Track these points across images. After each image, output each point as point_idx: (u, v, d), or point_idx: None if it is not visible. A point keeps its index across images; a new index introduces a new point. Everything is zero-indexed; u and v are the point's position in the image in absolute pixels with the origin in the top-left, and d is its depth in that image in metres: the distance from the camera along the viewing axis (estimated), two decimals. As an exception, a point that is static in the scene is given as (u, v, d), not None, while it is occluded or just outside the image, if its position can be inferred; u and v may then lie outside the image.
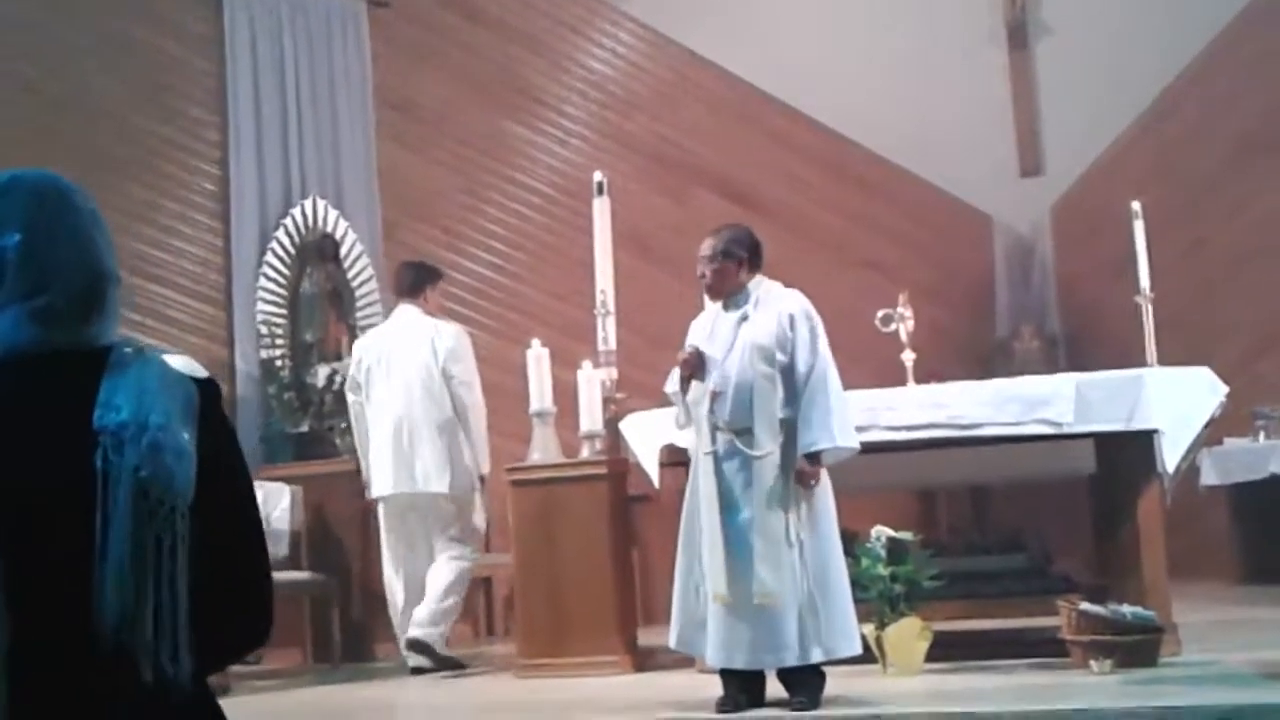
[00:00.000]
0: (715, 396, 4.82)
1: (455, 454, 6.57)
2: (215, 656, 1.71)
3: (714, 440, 4.84)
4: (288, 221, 8.26)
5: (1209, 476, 8.27)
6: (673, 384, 5.03)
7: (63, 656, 1.61)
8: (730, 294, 5.00)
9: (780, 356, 4.82)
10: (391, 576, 6.69)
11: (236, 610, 1.72)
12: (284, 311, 8.16)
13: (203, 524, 1.65)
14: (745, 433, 4.78)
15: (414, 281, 6.85)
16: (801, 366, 4.81)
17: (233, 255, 8.22)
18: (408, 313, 6.79)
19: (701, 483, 4.88)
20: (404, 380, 6.60)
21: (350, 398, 6.85)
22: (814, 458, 4.76)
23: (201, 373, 1.78)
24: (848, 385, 5.75)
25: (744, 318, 4.91)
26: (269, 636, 1.80)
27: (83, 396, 1.66)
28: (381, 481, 6.62)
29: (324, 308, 8.16)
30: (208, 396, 1.75)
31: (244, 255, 8.21)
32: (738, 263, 4.97)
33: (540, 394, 6.63)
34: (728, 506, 4.80)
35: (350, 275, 8.29)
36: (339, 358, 7.96)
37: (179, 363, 1.76)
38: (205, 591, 1.65)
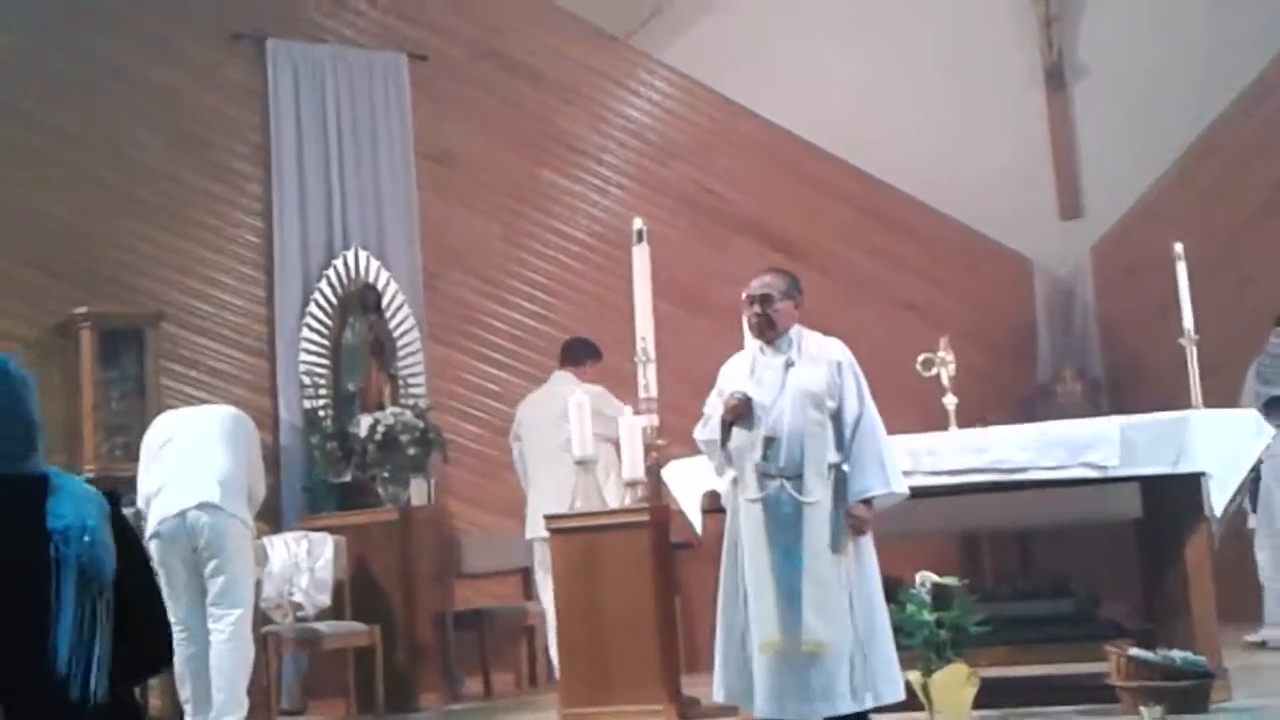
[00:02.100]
0: (769, 442, 4.77)
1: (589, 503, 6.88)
2: (128, 679, 2.57)
3: (761, 487, 4.79)
4: (330, 272, 8.33)
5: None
6: (709, 431, 4.98)
7: (24, 681, 2.40)
8: (776, 337, 4.97)
9: (830, 404, 4.80)
10: (547, 608, 7.23)
11: (139, 648, 2.58)
12: (326, 362, 8.22)
13: (117, 594, 2.51)
14: (795, 479, 4.75)
15: (577, 354, 7.72)
16: (849, 414, 4.80)
17: (276, 306, 8.29)
18: (561, 378, 7.61)
19: (746, 530, 4.83)
20: (544, 437, 7.34)
21: (513, 448, 7.77)
22: (867, 504, 4.74)
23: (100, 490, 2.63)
24: (889, 430, 5.73)
25: (789, 363, 4.87)
26: (162, 668, 3.05)
27: (34, 508, 2.48)
28: (530, 526, 7.41)
29: (366, 358, 8.21)
30: (115, 505, 2.60)
31: (287, 306, 8.29)
32: (795, 305, 4.97)
33: (581, 442, 6.64)
34: (778, 553, 4.74)
35: (392, 325, 8.35)
36: (381, 407, 8.00)
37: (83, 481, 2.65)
38: (121, 638, 2.50)
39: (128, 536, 2.60)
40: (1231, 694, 5.39)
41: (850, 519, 4.72)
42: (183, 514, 5.95)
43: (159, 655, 2.70)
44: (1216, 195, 9.65)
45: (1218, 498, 5.46)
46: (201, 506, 5.93)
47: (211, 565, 5.95)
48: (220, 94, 8.44)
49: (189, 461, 6.05)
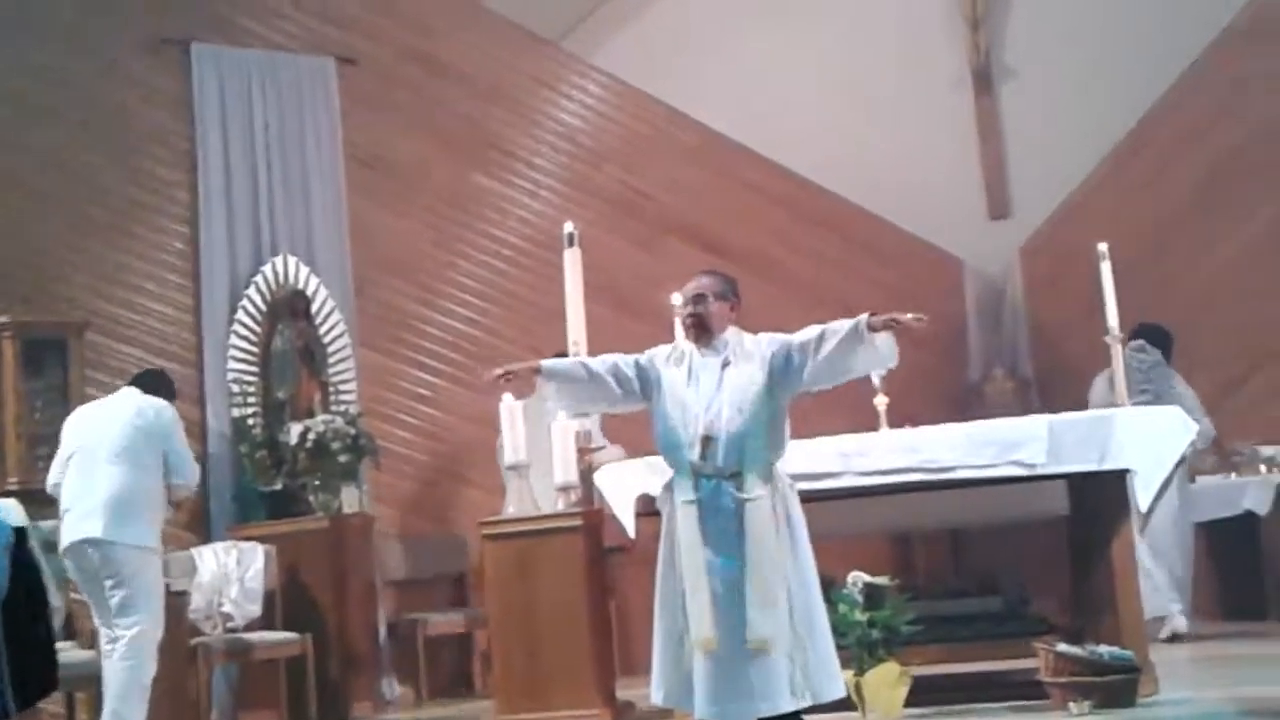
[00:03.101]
0: (708, 442, 4.77)
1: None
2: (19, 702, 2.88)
3: (697, 487, 4.78)
4: (258, 279, 8.24)
5: (1183, 514, 8.27)
6: (558, 367, 5.03)
7: None
8: (711, 339, 4.96)
9: (774, 387, 4.75)
10: None
11: (29, 670, 2.85)
12: (255, 369, 8.13)
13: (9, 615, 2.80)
14: (735, 477, 4.74)
15: None
16: (801, 339, 4.74)
17: (203, 314, 8.19)
18: None
19: (681, 530, 4.82)
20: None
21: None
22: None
23: (16, 521, 3.03)
24: (821, 431, 5.79)
25: (726, 362, 4.87)
26: (44, 696, 3.12)
27: None
28: None
29: (296, 365, 8.13)
30: (20, 536, 2.94)
31: (215, 314, 8.19)
32: (730, 306, 4.97)
33: (514, 447, 6.62)
34: (716, 552, 4.73)
35: (322, 331, 8.28)
36: (311, 414, 7.93)
37: (6, 505, 3.03)
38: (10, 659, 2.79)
39: (25, 571, 2.89)
40: (1158, 688, 5.46)
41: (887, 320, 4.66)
42: (79, 543, 5.86)
43: (42, 684, 2.95)
44: (1141, 195, 9.78)
45: (1143, 494, 5.53)
46: (88, 541, 5.82)
47: (109, 584, 5.84)
48: (146, 100, 8.33)
49: (82, 485, 5.90)
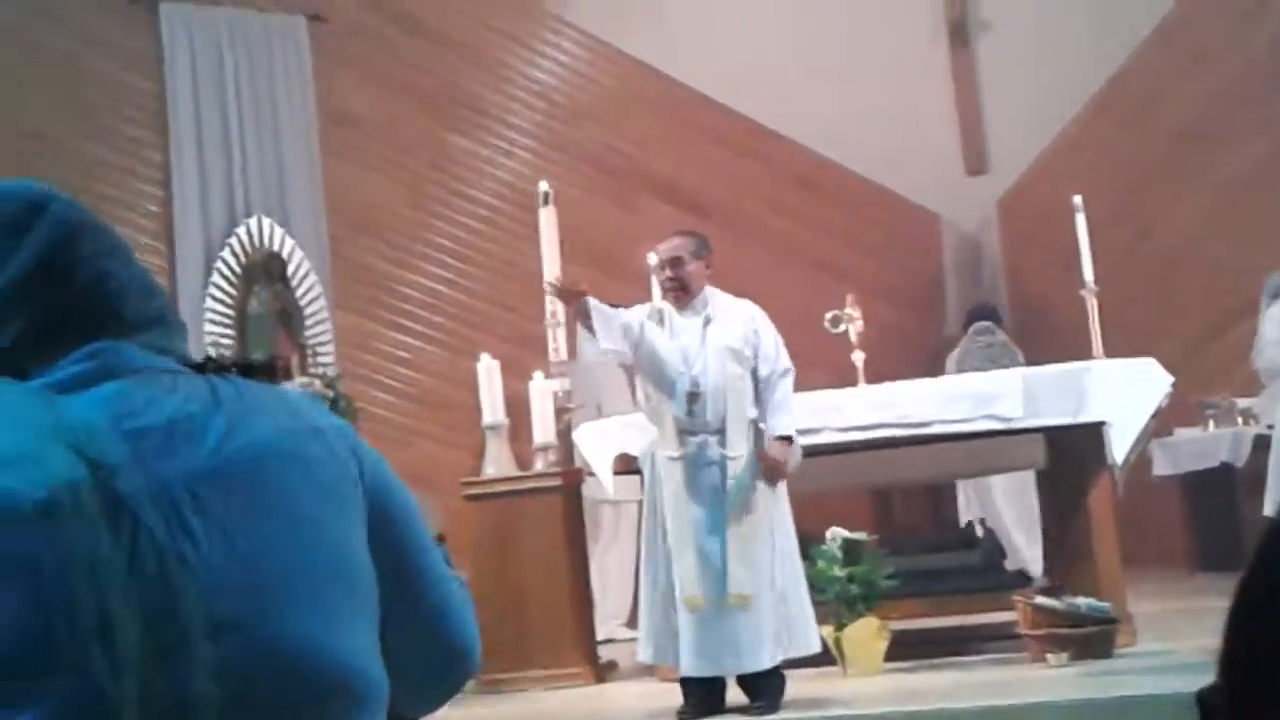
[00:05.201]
0: (694, 398, 4.81)
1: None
2: None
3: (682, 443, 4.82)
4: (233, 241, 8.19)
5: (1160, 467, 8.32)
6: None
7: None
8: (690, 299, 5.01)
9: (749, 359, 4.86)
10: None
11: None
12: (232, 333, 8.09)
13: None
14: (719, 434, 4.79)
15: None
16: (769, 368, 4.89)
17: (177, 277, 8.13)
18: None
19: (667, 488, 4.85)
20: None
21: None
22: (784, 440, 4.85)
23: None
24: (799, 387, 5.79)
25: (708, 320, 4.91)
26: None
27: None
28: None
29: (273, 328, 8.09)
30: None
31: (189, 277, 8.13)
32: (706, 264, 5.02)
33: (492, 407, 6.61)
34: (702, 509, 4.78)
35: (298, 294, 8.23)
36: (289, 378, 7.89)
37: None
38: None
39: None
40: (1135, 639, 5.50)
41: (768, 458, 4.78)
42: None
43: None
44: (1116, 148, 9.77)
45: (1119, 446, 5.54)
46: None
47: None
48: (115, 61, 8.24)
49: None
